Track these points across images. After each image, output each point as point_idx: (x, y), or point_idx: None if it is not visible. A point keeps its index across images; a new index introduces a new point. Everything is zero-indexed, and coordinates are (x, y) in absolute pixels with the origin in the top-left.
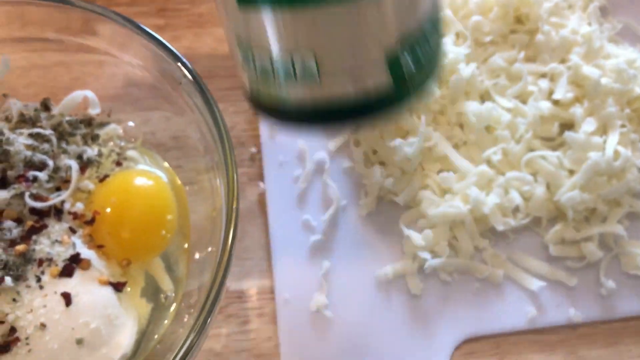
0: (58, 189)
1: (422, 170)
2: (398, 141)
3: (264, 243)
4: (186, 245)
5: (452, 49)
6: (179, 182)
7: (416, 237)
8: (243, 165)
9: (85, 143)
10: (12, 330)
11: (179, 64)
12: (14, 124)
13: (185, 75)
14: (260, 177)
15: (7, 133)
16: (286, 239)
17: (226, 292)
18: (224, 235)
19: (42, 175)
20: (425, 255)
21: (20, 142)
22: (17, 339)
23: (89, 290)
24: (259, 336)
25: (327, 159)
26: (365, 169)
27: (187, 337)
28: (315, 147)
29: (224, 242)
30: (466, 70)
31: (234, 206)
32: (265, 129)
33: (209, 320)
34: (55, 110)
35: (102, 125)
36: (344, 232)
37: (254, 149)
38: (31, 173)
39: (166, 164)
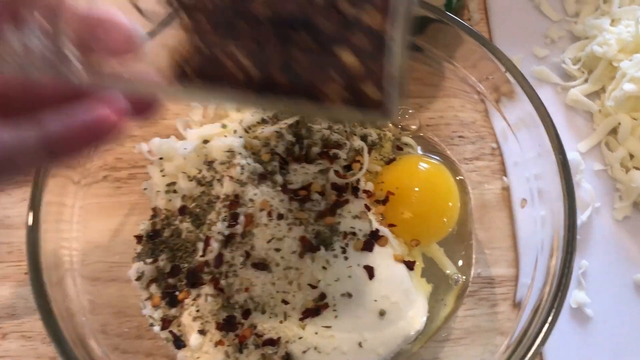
0: (347, 168)
1: None
2: None
3: (510, 234)
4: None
5: None
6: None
7: None
8: (484, 159)
9: (364, 127)
10: (322, 296)
11: (504, 69)
12: None
13: (508, 82)
14: (502, 171)
15: None
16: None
17: (478, 277)
18: (564, 245)
19: (342, 154)
20: None
21: (321, 121)
22: (326, 305)
23: (387, 266)
24: (505, 318)
25: (581, 160)
26: (624, 174)
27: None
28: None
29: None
30: None
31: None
32: (499, 126)
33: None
34: None
35: None
36: (598, 233)
37: (494, 144)
38: (333, 151)
39: (449, 152)
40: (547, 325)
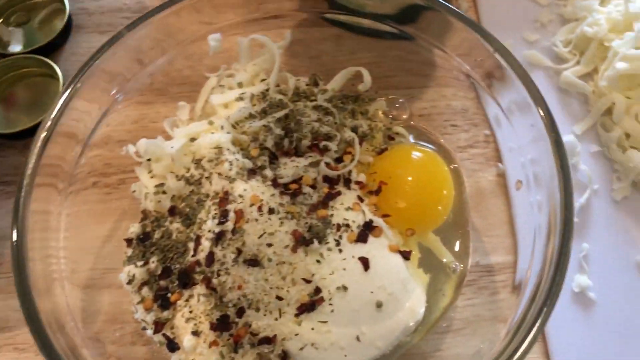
0: (339, 159)
1: None
2: None
3: (507, 221)
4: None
5: None
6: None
7: None
8: (478, 147)
9: (354, 118)
10: (317, 290)
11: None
12: (290, 97)
13: (500, 66)
14: (497, 158)
15: (296, 105)
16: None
17: (477, 266)
18: (560, 229)
19: (332, 146)
20: None
21: (310, 113)
22: (322, 299)
23: (383, 256)
24: (505, 305)
25: (577, 143)
26: (621, 154)
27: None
28: (560, 131)
29: (561, 236)
30: None
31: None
32: (492, 112)
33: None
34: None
35: (370, 100)
36: (597, 215)
37: (487, 131)
38: (324, 143)
39: (442, 141)
40: (545, 309)
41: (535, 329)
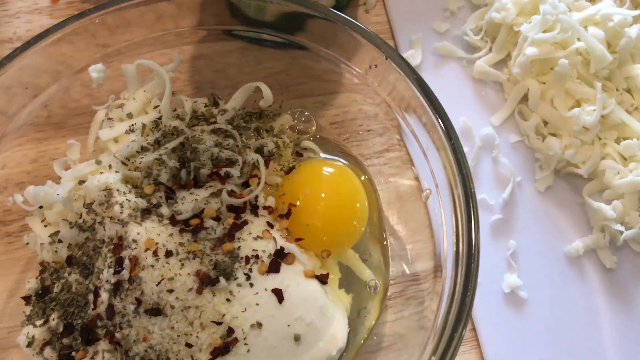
0: (245, 184)
1: (598, 140)
2: (577, 110)
3: (427, 224)
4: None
5: (618, 11)
6: (363, 171)
7: (606, 209)
8: (394, 150)
9: (259, 136)
10: (230, 331)
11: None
12: (188, 122)
13: (386, 57)
14: (411, 161)
15: (193, 132)
16: None
17: (402, 275)
18: (466, 230)
19: (235, 172)
20: (618, 227)
21: (207, 139)
22: (236, 340)
23: (297, 284)
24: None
25: (495, 135)
26: (540, 142)
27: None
28: (478, 123)
29: (467, 236)
30: (632, 32)
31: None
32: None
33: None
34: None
35: (275, 116)
36: (522, 209)
37: (398, 136)
38: (224, 170)
39: (353, 152)
40: (464, 315)
41: (457, 335)
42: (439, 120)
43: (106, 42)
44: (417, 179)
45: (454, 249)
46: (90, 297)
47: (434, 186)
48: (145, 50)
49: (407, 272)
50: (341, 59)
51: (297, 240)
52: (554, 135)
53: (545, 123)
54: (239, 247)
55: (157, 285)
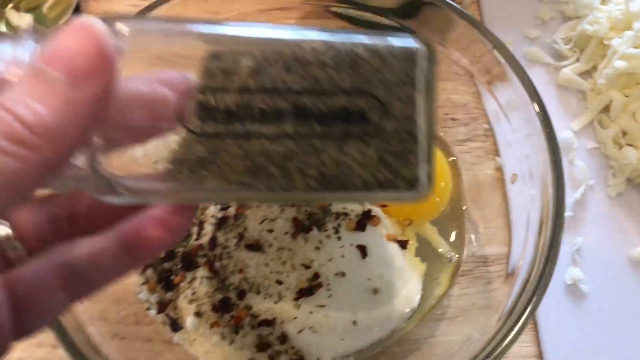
0: None
1: None
2: None
3: (503, 214)
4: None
5: None
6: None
7: None
8: (477, 140)
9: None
10: (316, 275)
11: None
12: None
13: (497, 62)
14: (495, 152)
15: None
16: None
17: (472, 256)
18: (553, 217)
19: None
20: None
21: None
22: (320, 284)
23: (380, 244)
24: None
25: (574, 139)
26: (617, 151)
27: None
28: (558, 126)
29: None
30: None
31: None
32: (491, 107)
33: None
34: None
35: None
36: (592, 210)
37: (486, 126)
38: None
39: (442, 134)
40: (535, 297)
41: (524, 316)
42: (537, 109)
43: (217, 9)
44: (498, 169)
45: (536, 239)
46: (194, 229)
47: (520, 174)
48: (251, 21)
49: (477, 254)
50: (450, 49)
51: (382, 206)
52: (630, 145)
53: (624, 134)
54: (330, 203)
55: (259, 224)
